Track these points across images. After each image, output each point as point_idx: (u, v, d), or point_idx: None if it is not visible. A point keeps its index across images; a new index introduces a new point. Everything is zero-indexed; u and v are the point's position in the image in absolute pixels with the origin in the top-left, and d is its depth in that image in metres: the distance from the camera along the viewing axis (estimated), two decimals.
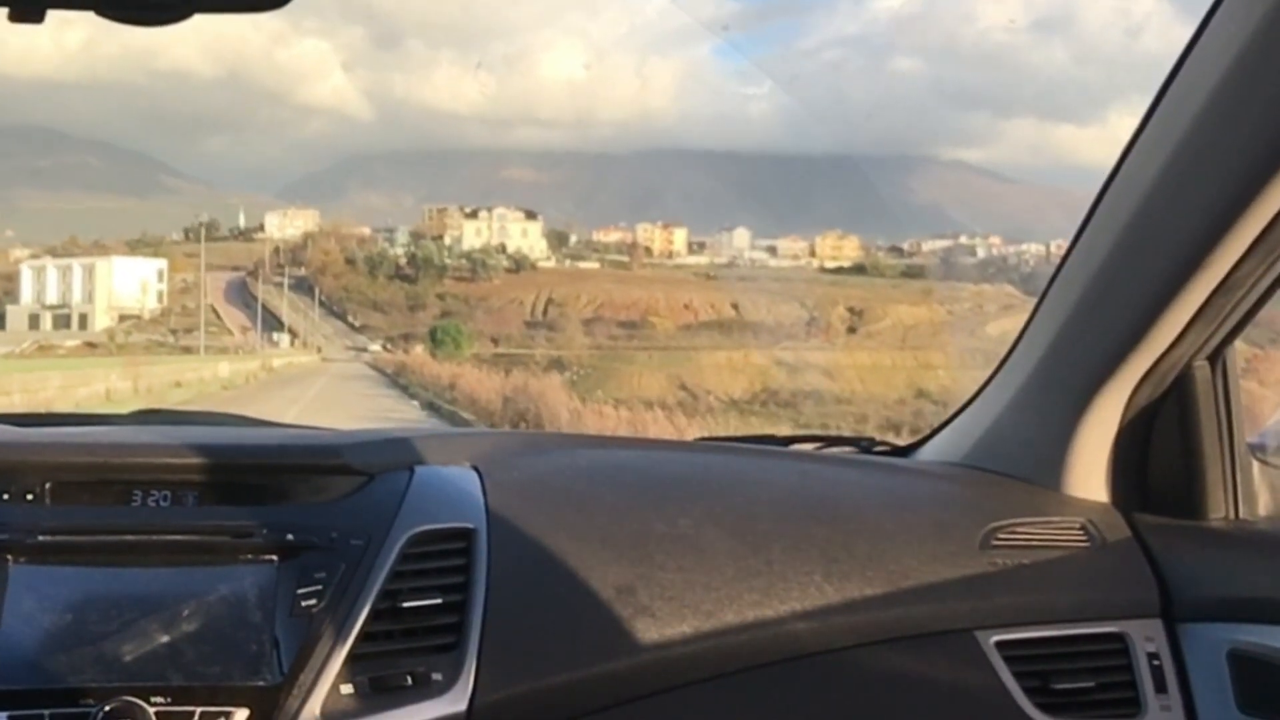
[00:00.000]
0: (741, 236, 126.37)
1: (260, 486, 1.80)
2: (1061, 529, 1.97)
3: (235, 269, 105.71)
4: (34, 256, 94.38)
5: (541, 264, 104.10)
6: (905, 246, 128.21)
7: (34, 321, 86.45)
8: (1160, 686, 1.83)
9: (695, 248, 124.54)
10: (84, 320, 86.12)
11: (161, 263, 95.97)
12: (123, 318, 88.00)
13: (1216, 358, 1.93)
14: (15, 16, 1.05)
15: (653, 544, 1.80)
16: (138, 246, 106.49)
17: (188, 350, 72.60)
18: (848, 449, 2.38)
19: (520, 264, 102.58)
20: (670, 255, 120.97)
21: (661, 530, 1.83)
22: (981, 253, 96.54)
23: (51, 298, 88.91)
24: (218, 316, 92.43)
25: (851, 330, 72.72)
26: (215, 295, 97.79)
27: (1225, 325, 1.84)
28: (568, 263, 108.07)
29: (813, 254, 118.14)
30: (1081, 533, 1.97)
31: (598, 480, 1.98)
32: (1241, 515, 1.95)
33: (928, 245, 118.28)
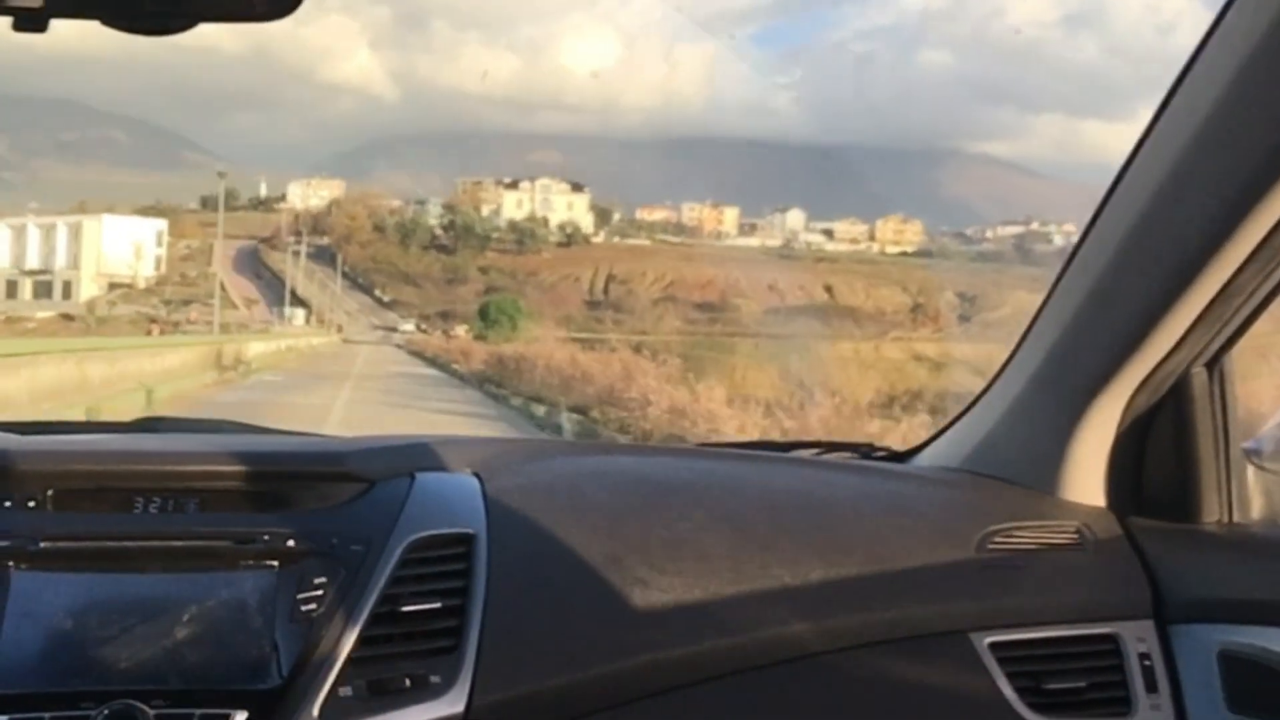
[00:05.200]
0: (796, 218, 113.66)
1: (261, 493, 1.76)
2: (1056, 532, 1.93)
3: (252, 238, 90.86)
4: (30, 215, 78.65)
5: (594, 239, 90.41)
6: (969, 232, 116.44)
7: (12, 289, 71.73)
8: (1151, 687, 1.79)
9: (746, 229, 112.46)
10: (68, 289, 71.05)
11: (160, 223, 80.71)
12: (113, 286, 72.91)
13: (1214, 364, 1.89)
14: (19, 26, 1.03)
15: (653, 549, 1.75)
16: (149, 214, 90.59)
17: (178, 327, 56.83)
18: (846, 454, 2.31)
19: (572, 237, 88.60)
20: (720, 236, 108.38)
21: (662, 535, 1.78)
22: (1059, 240, 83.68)
23: (33, 262, 73.88)
24: (222, 288, 77.03)
25: (965, 318, 57.75)
26: (223, 264, 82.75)
27: (1224, 332, 1.82)
28: (616, 239, 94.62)
29: (872, 238, 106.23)
30: (1076, 536, 1.92)
31: (598, 486, 1.92)
32: (1235, 519, 1.90)
33: (998, 231, 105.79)
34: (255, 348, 38.10)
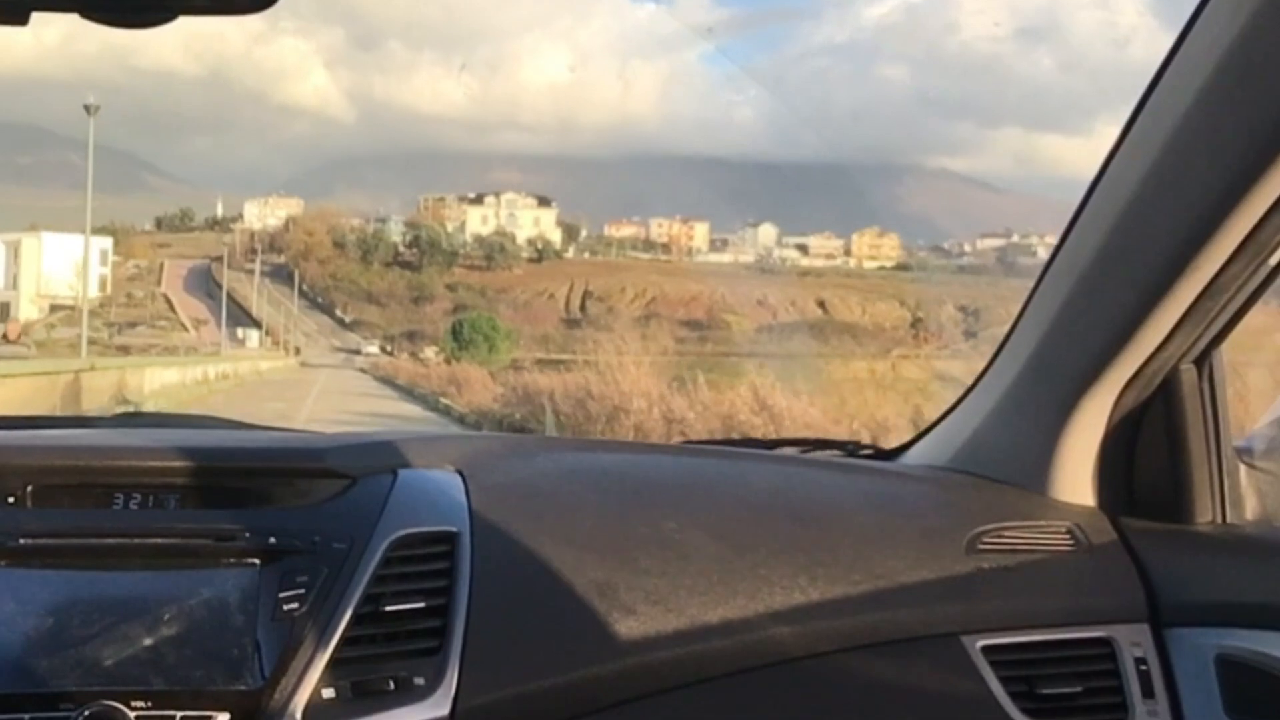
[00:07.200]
0: (768, 233, 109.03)
1: (243, 490, 1.72)
2: (1048, 533, 1.87)
3: (206, 258, 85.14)
4: None
5: (565, 254, 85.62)
6: (946, 245, 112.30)
7: None
8: (1147, 691, 1.74)
9: (718, 244, 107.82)
10: (6, 310, 65.28)
11: (105, 241, 74.83)
12: (54, 308, 66.92)
13: (1203, 361, 1.84)
14: (0, 20, 1.01)
15: (637, 547, 1.71)
16: (97, 233, 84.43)
17: (124, 350, 51.13)
18: (833, 452, 2.24)
19: (543, 252, 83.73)
20: (691, 252, 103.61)
21: (646, 533, 1.73)
22: (1041, 252, 79.42)
23: None
24: (171, 308, 71.16)
25: (971, 334, 52.90)
26: (172, 284, 77.33)
27: (1212, 328, 1.78)
28: (585, 255, 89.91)
29: (848, 252, 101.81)
30: (1068, 537, 1.87)
31: (582, 483, 1.88)
32: (1228, 519, 1.85)
33: (978, 245, 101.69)
34: (161, 378, 28.21)
